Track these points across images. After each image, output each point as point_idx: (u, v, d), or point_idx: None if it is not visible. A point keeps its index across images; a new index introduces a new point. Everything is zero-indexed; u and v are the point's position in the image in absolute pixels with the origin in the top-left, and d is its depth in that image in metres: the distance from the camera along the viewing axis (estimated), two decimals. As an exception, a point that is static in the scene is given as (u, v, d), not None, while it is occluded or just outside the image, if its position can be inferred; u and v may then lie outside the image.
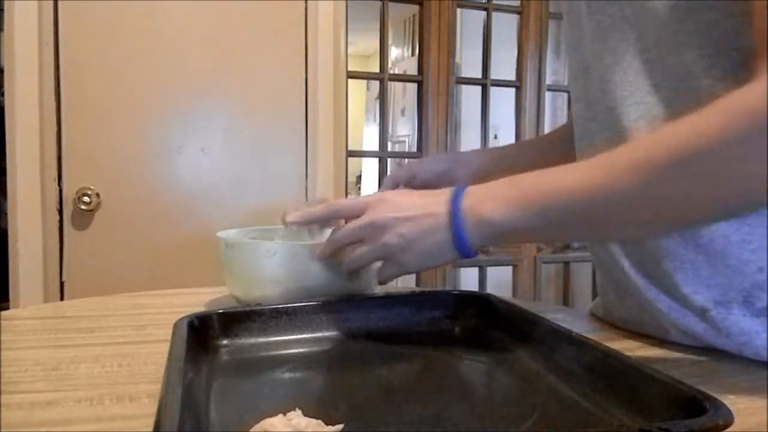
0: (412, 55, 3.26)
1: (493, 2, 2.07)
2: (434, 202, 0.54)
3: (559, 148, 0.77)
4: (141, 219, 1.55)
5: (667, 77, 0.53)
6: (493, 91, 2.13)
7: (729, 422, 0.34)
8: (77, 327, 0.67)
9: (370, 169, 3.79)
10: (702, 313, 0.56)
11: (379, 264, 0.60)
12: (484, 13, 2.09)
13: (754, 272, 0.53)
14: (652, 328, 0.62)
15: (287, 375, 0.51)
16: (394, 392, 0.49)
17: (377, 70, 1.99)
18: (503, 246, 2.08)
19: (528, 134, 2.12)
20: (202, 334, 0.54)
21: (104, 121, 1.51)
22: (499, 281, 2.23)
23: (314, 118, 1.66)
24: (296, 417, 0.37)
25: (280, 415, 0.37)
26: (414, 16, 2.54)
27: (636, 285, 0.61)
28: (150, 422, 0.39)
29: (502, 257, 2.16)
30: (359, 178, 4.29)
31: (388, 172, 2.04)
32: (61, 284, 1.50)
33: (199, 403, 0.42)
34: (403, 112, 3.60)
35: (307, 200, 0.79)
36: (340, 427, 0.37)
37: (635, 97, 0.56)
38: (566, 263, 2.32)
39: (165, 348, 0.47)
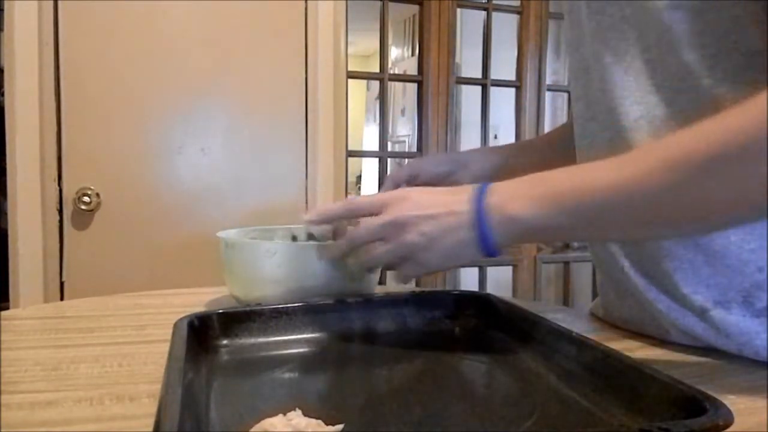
0: (412, 55, 3.26)
1: (493, 2, 2.07)
2: (457, 200, 0.53)
3: (560, 149, 0.77)
4: (141, 219, 1.55)
5: (667, 77, 0.53)
6: (493, 91, 2.13)
7: (729, 422, 0.34)
8: (77, 327, 0.67)
9: (370, 169, 3.80)
10: (702, 313, 0.56)
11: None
12: (484, 13, 2.09)
13: (753, 272, 0.53)
14: (652, 328, 0.62)
15: (287, 375, 0.51)
16: (394, 392, 0.49)
17: (377, 70, 1.99)
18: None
19: (528, 134, 2.12)
20: (202, 334, 0.54)
21: (104, 121, 1.51)
22: (499, 281, 2.24)
23: (314, 118, 1.66)
24: (296, 417, 0.37)
25: (280, 415, 0.37)
26: (414, 16, 2.54)
27: (636, 285, 0.61)
28: (150, 422, 0.39)
29: (502, 257, 2.16)
30: (359, 178, 4.30)
31: (389, 172, 2.04)
32: (61, 284, 1.50)
33: (199, 403, 0.42)
34: (403, 112, 3.60)
35: (307, 202, 0.79)
36: (340, 427, 0.37)
37: (635, 97, 0.56)
38: (566, 263, 2.32)
39: (165, 348, 0.47)
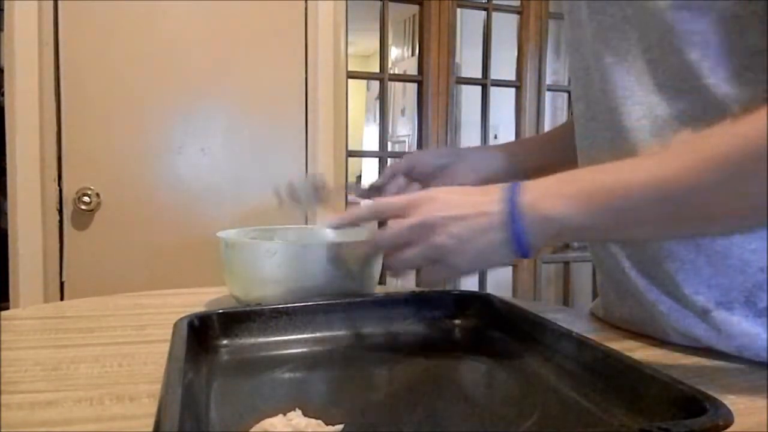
0: (412, 55, 3.26)
1: (493, 2, 2.07)
2: (487, 200, 0.51)
3: (561, 148, 0.77)
4: (141, 219, 1.55)
5: (669, 77, 0.53)
6: (493, 91, 2.13)
7: (729, 422, 0.34)
8: (77, 327, 0.67)
9: (370, 169, 3.79)
10: (703, 314, 0.56)
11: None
12: (484, 13, 2.09)
13: (755, 272, 0.53)
14: (651, 329, 0.62)
15: (287, 375, 0.51)
16: (394, 392, 0.49)
17: (377, 70, 1.99)
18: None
19: (528, 134, 2.12)
20: (202, 334, 0.54)
21: (104, 121, 1.51)
22: (499, 281, 2.23)
23: (314, 118, 1.66)
24: (296, 417, 0.37)
25: (280, 415, 0.37)
26: (414, 16, 2.53)
27: (637, 286, 0.61)
28: (150, 422, 0.39)
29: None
30: (359, 178, 4.29)
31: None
32: (61, 284, 1.50)
33: (199, 403, 0.42)
34: (403, 112, 3.60)
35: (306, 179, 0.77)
36: (340, 427, 0.37)
37: (637, 97, 0.56)
38: (566, 263, 2.32)
39: (165, 348, 0.47)
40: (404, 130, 3.58)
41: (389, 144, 2.52)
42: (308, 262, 0.66)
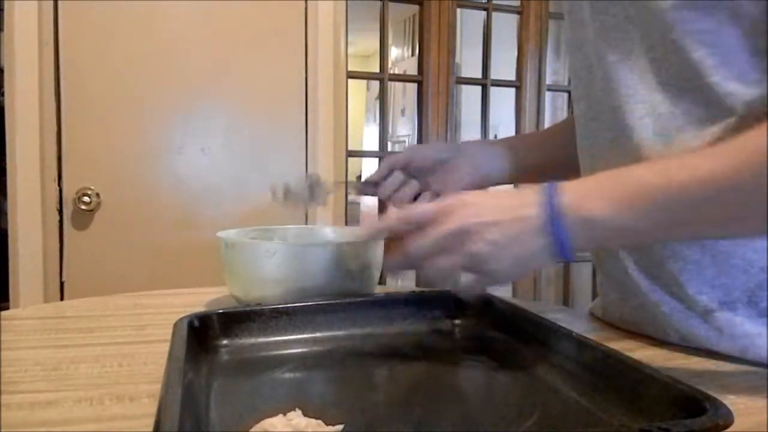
0: (412, 55, 3.26)
1: (493, 2, 2.07)
2: (523, 204, 0.49)
3: (562, 144, 0.76)
4: (141, 219, 1.55)
5: (673, 75, 0.53)
6: (493, 91, 2.13)
7: (729, 422, 0.34)
8: (77, 327, 0.67)
9: (370, 169, 3.79)
10: (706, 315, 0.56)
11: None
12: (484, 13, 2.09)
13: (757, 272, 0.53)
14: (652, 330, 0.62)
15: (287, 375, 0.51)
16: (394, 392, 0.49)
17: (377, 70, 1.98)
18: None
19: (529, 132, 2.12)
20: (202, 334, 0.54)
21: (104, 121, 1.51)
22: (499, 281, 2.23)
23: (314, 118, 1.66)
24: (296, 417, 0.37)
25: (280, 415, 0.37)
26: (414, 16, 2.53)
27: (639, 286, 0.60)
28: (150, 422, 0.39)
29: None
30: (359, 178, 4.29)
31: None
32: (61, 284, 1.50)
33: (199, 403, 0.42)
34: (403, 112, 3.60)
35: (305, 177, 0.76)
36: (340, 427, 0.37)
37: (640, 95, 0.56)
38: (566, 263, 2.32)
39: (165, 348, 0.47)
40: (404, 130, 3.58)
41: (389, 144, 2.52)
42: (308, 262, 0.66)
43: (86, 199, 1.49)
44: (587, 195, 0.48)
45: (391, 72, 2.58)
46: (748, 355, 0.54)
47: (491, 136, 2.19)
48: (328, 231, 0.84)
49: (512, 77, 2.14)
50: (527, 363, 0.53)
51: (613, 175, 0.49)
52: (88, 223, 1.51)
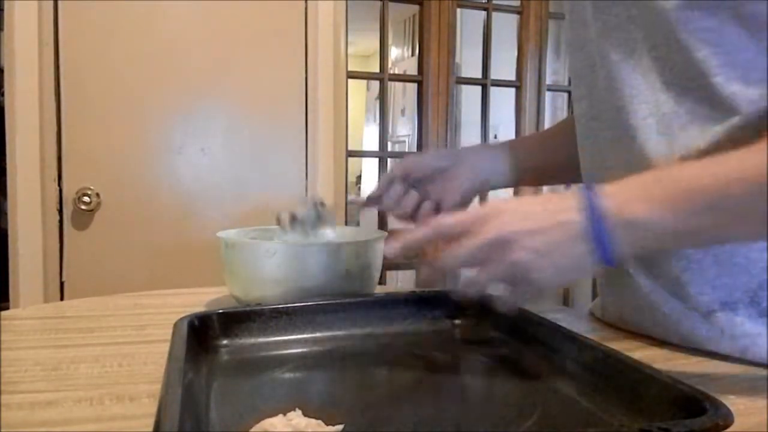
0: (412, 55, 3.26)
1: (493, 2, 2.07)
2: (563, 208, 0.47)
3: (563, 144, 0.76)
4: (141, 219, 1.55)
5: (676, 75, 0.53)
6: (493, 91, 2.13)
7: (729, 422, 0.34)
8: (77, 327, 0.67)
9: (370, 169, 3.80)
10: (707, 315, 0.56)
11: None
12: (484, 13, 2.09)
13: (759, 272, 0.53)
14: (652, 330, 0.61)
15: (287, 375, 0.51)
16: (394, 392, 0.49)
17: (377, 70, 1.98)
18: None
19: (528, 134, 2.12)
20: (202, 334, 0.54)
21: (104, 121, 1.51)
22: (499, 281, 2.23)
23: (314, 118, 1.66)
24: (296, 417, 0.37)
25: (280, 415, 0.37)
26: (414, 16, 2.54)
27: (640, 286, 0.60)
28: (150, 422, 0.39)
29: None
30: (359, 178, 4.29)
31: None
32: (61, 284, 1.50)
33: (199, 403, 0.42)
34: (403, 112, 3.60)
35: (306, 197, 0.76)
36: (340, 427, 0.37)
37: (644, 95, 0.55)
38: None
39: (165, 348, 0.47)
40: (404, 130, 3.58)
41: (389, 144, 2.52)
42: (308, 262, 0.66)
43: (86, 199, 1.49)
44: (630, 198, 0.46)
45: (391, 72, 2.58)
46: (748, 355, 0.54)
47: (491, 136, 2.19)
48: (328, 231, 0.84)
49: (512, 77, 2.14)
50: (527, 363, 0.53)
51: (655, 176, 0.47)
52: (88, 223, 1.51)
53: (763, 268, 0.53)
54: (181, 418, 0.33)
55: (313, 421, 0.37)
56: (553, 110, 2.49)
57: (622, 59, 0.57)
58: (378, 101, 2.41)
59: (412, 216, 0.74)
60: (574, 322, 0.62)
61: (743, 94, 0.49)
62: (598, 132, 0.62)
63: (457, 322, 0.64)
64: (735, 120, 0.49)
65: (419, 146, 2.03)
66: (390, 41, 2.85)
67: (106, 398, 0.45)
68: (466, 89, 2.51)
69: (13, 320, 0.71)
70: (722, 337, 0.55)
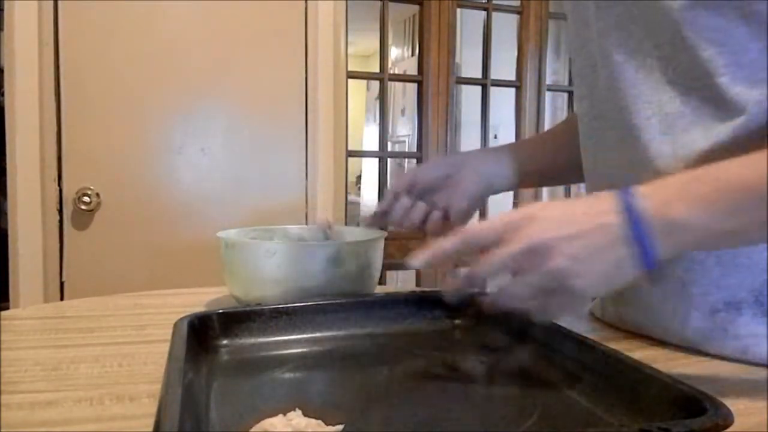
0: (412, 55, 3.26)
1: (493, 2, 2.07)
2: (601, 211, 0.45)
3: (565, 145, 0.76)
4: (141, 219, 1.55)
5: (680, 74, 0.53)
6: (493, 91, 2.13)
7: (729, 422, 0.34)
8: (77, 327, 0.67)
9: (370, 169, 3.80)
10: (711, 314, 0.56)
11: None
12: (484, 13, 2.09)
13: (761, 271, 0.53)
14: (652, 330, 0.61)
15: (287, 375, 0.51)
16: (394, 392, 0.49)
17: (377, 70, 1.99)
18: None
19: (528, 134, 2.12)
20: (202, 334, 0.54)
21: (104, 121, 1.51)
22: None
23: (314, 118, 1.66)
24: (296, 417, 0.37)
25: (280, 415, 0.37)
26: (414, 16, 2.54)
27: (640, 286, 0.60)
28: (150, 422, 0.39)
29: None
30: (359, 178, 4.30)
31: (389, 172, 2.04)
32: (61, 284, 1.50)
33: (199, 403, 0.42)
34: (403, 112, 3.60)
35: (312, 223, 0.76)
36: (340, 427, 0.37)
37: (647, 95, 0.55)
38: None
39: (165, 348, 0.47)
40: (404, 130, 3.58)
41: (389, 144, 2.52)
42: (308, 262, 0.66)
43: (86, 199, 1.49)
44: (668, 198, 0.44)
45: (391, 72, 2.58)
46: (749, 355, 0.54)
47: (491, 136, 2.19)
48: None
49: (512, 77, 2.14)
50: (527, 363, 0.53)
51: (694, 175, 0.45)
52: (88, 223, 1.51)
53: (763, 268, 0.53)
54: (181, 418, 0.33)
55: (313, 421, 0.37)
56: (553, 110, 2.49)
57: (624, 59, 0.56)
58: (378, 101, 2.41)
59: (421, 227, 0.74)
60: (574, 322, 0.62)
61: (749, 94, 0.49)
62: (600, 132, 0.62)
63: (457, 322, 0.64)
64: (740, 120, 0.49)
65: (419, 146, 2.03)
66: (390, 41, 2.85)
67: (106, 398, 0.45)
68: (466, 89, 2.51)
69: (13, 320, 0.71)
70: (726, 336, 0.55)
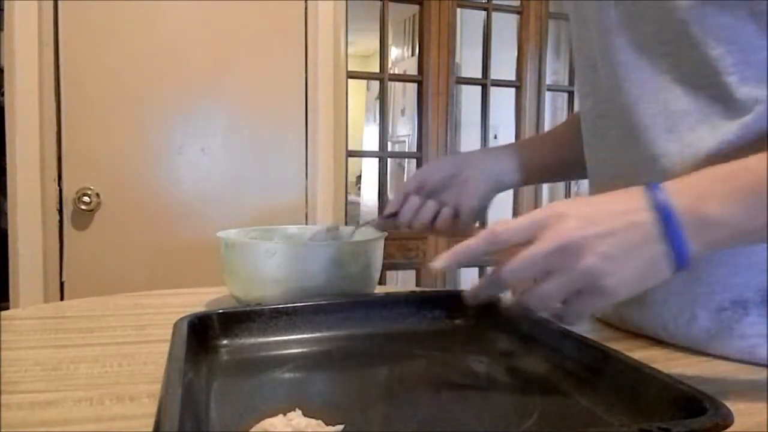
0: (412, 55, 3.26)
1: (493, 2, 2.07)
2: (632, 209, 0.43)
3: (568, 143, 0.76)
4: (141, 219, 1.55)
5: (686, 72, 0.52)
6: (493, 91, 2.13)
7: (729, 422, 0.34)
8: (77, 327, 0.67)
9: (370, 169, 3.80)
10: (717, 313, 0.55)
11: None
12: (484, 13, 2.09)
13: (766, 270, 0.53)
14: (653, 330, 0.61)
15: (287, 375, 0.51)
16: (394, 392, 0.49)
17: (377, 70, 1.99)
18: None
19: (528, 134, 2.12)
20: (202, 334, 0.54)
21: (104, 121, 1.51)
22: (499, 281, 2.22)
23: (314, 118, 1.66)
24: (296, 417, 0.37)
25: (280, 415, 0.37)
26: (414, 16, 2.54)
27: None
28: (150, 422, 0.39)
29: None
30: (359, 178, 4.30)
31: (389, 172, 2.04)
32: (61, 284, 1.50)
33: (199, 403, 0.42)
34: (403, 112, 3.60)
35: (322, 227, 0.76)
36: (340, 427, 0.37)
37: (652, 94, 0.55)
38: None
39: (165, 348, 0.47)
40: (404, 130, 3.58)
41: (389, 144, 2.52)
42: (308, 262, 0.66)
43: (86, 199, 1.49)
44: (700, 194, 0.43)
45: (391, 72, 2.58)
46: (755, 355, 0.54)
47: (491, 136, 2.19)
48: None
49: (512, 77, 2.14)
50: (527, 363, 0.53)
51: (722, 172, 0.44)
52: (88, 223, 1.51)
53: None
54: (181, 418, 0.33)
55: (313, 421, 0.37)
56: (553, 110, 2.49)
57: (629, 57, 0.56)
58: (378, 101, 2.41)
59: (431, 227, 0.74)
60: (574, 322, 0.62)
61: (757, 92, 0.49)
62: (605, 130, 0.62)
63: (457, 322, 0.64)
64: (747, 118, 0.49)
65: (419, 146, 2.03)
66: (390, 41, 2.85)
67: (106, 398, 0.45)
68: (466, 89, 2.51)
69: (13, 320, 0.71)
70: (732, 336, 0.55)
